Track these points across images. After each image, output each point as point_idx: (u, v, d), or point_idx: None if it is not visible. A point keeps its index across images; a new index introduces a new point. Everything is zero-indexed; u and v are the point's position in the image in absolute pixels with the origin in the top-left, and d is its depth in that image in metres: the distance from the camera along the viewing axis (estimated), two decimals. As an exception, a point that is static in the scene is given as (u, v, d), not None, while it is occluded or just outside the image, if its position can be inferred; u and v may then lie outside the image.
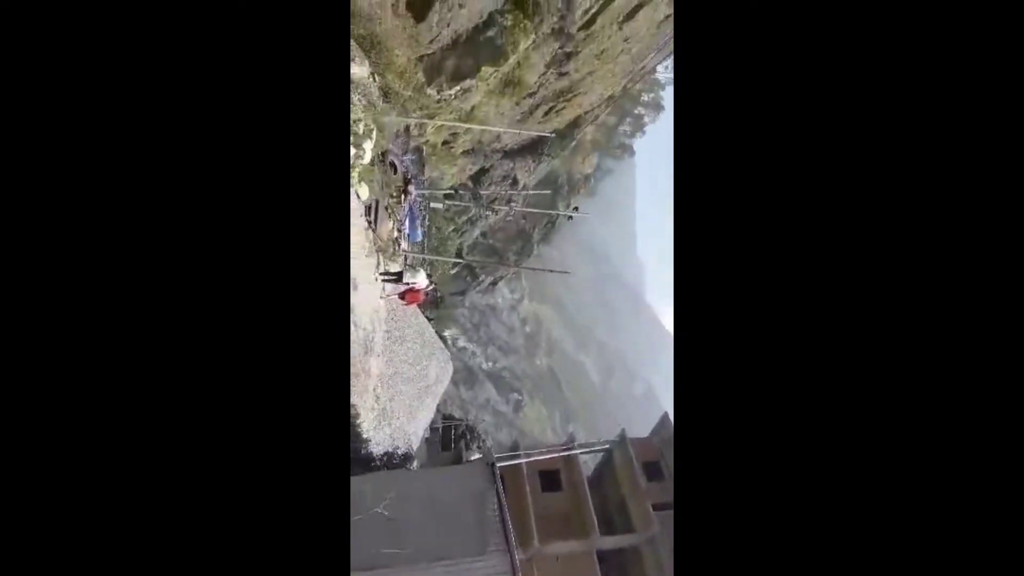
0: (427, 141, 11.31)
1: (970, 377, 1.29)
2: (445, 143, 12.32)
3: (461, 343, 33.70)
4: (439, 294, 11.67)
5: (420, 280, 9.13)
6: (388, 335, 9.65)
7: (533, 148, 16.86)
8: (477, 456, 11.66)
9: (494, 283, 24.69)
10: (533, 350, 49.74)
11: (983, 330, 1.29)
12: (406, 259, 10.17)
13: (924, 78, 1.34)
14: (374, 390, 9.27)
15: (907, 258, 1.35)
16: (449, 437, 14.55)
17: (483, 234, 18.71)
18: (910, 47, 1.34)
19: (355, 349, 8.25)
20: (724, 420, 1.47)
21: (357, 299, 8.24)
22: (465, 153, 13.43)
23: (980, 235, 1.30)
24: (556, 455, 11.09)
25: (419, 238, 11.00)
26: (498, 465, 6.94)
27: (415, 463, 10.89)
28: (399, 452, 9.76)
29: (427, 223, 11.95)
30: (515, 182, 17.20)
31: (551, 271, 17.97)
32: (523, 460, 10.30)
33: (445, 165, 12.58)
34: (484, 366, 38.26)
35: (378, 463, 8.92)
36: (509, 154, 16.41)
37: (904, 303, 1.36)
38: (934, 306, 1.33)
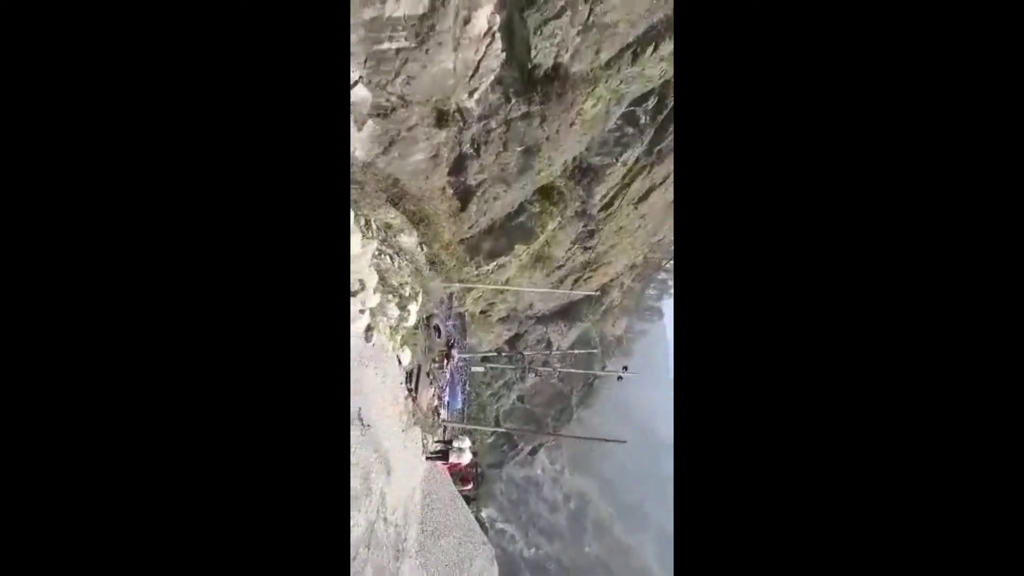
0: (467, 310, 12.31)
1: (970, 376, 1.28)
2: (483, 312, 13.31)
3: (499, 525, 30.80)
4: (480, 470, 11.26)
5: (466, 457, 9.11)
6: (423, 529, 8.67)
7: (565, 314, 17.76)
8: None
9: (533, 452, 23.64)
10: (579, 533, 44.61)
11: (983, 330, 1.27)
12: (445, 429, 10.12)
13: (925, 84, 1.33)
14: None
15: (907, 259, 1.34)
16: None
17: (520, 398, 18.72)
18: (908, 64, 1.33)
19: (386, 553, 7.05)
20: (724, 427, 1.46)
21: (390, 487, 7.26)
22: (501, 320, 14.33)
23: (980, 235, 1.27)
24: None
25: (459, 405, 11.06)
26: None
27: None
28: None
29: (467, 389, 12.28)
30: (549, 344, 17.74)
31: (604, 440, 16.73)
32: None
33: (483, 332, 13.40)
34: (525, 553, 34.23)
35: None
36: (542, 319, 17.29)
37: (904, 304, 1.34)
38: (934, 306, 1.31)
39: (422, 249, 9.49)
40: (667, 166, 11.96)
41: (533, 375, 15.51)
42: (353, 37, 5.97)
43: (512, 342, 16.70)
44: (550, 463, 43.24)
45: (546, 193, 10.91)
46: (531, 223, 10.79)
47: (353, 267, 7.00)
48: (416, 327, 9.03)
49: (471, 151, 8.68)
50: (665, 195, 13.63)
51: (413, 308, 8.62)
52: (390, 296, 7.99)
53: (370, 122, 7.10)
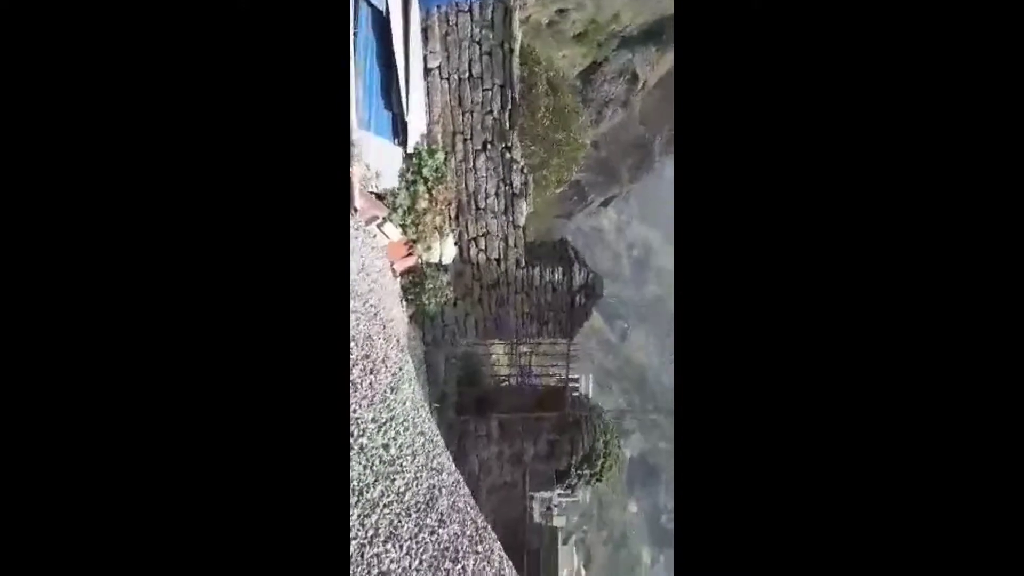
0: (529, 17, 9.06)
1: (970, 375, 1.27)
2: (551, 24, 9.94)
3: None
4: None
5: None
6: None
7: (656, 34, 13.71)
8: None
9: (605, 203, 22.21)
10: (641, 277, 46.98)
11: (983, 330, 1.26)
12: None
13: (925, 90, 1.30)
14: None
15: (907, 258, 1.31)
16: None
17: (594, 144, 16.23)
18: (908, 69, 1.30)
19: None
20: (726, 419, 1.38)
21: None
22: (577, 37, 10.92)
23: (980, 236, 1.27)
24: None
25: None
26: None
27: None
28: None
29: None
30: (634, 78, 14.32)
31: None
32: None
33: (552, 50, 10.24)
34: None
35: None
36: (627, 41, 13.47)
37: (903, 301, 1.31)
38: (934, 306, 1.29)
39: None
40: None
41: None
42: None
43: (587, 74, 13.44)
44: (617, 215, 42.96)
45: None
46: None
47: None
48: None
49: None
50: None
51: None
52: None
53: None
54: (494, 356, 9.82)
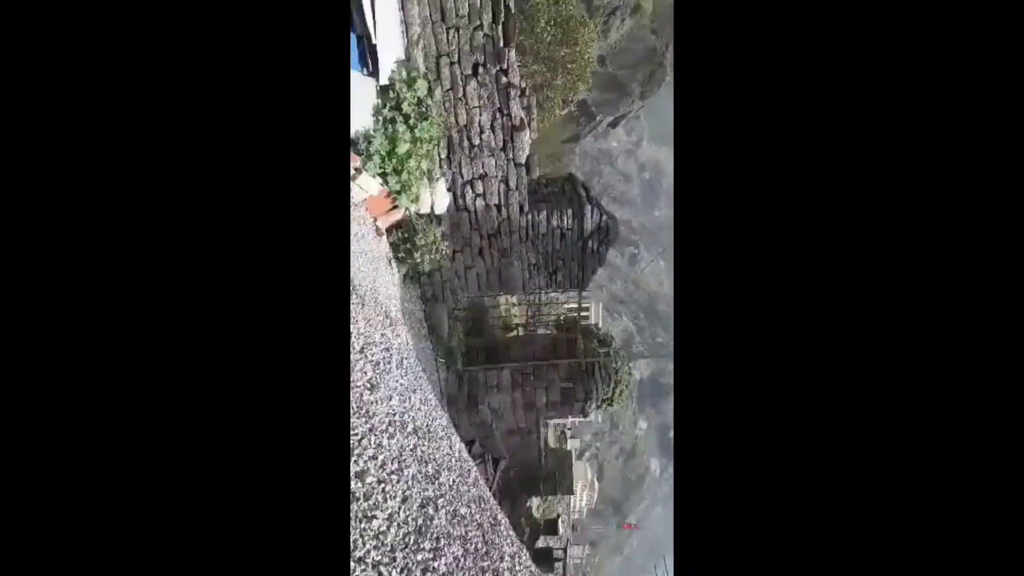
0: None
1: (969, 374, 1.27)
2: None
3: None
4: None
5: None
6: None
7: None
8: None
9: (614, 124, 20.52)
10: (652, 200, 45.37)
11: (983, 330, 1.27)
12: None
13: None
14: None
15: (906, 257, 1.31)
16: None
17: (600, 59, 14.56)
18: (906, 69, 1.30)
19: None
20: (726, 342, 1.40)
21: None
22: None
23: (980, 236, 1.27)
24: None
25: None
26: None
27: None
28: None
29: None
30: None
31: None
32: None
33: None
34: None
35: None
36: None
37: (904, 304, 1.31)
38: (934, 306, 1.29)
39: None
40: None
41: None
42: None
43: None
44: (626, 135, 40.56)
45: None
46: None
47: None
48: None
49: None
50: None
51: None
52: None
53: None
54: (502, 307, 9.23)
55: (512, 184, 6.37)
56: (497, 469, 8.00)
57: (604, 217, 6.69)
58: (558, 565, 9.85)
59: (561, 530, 10.02)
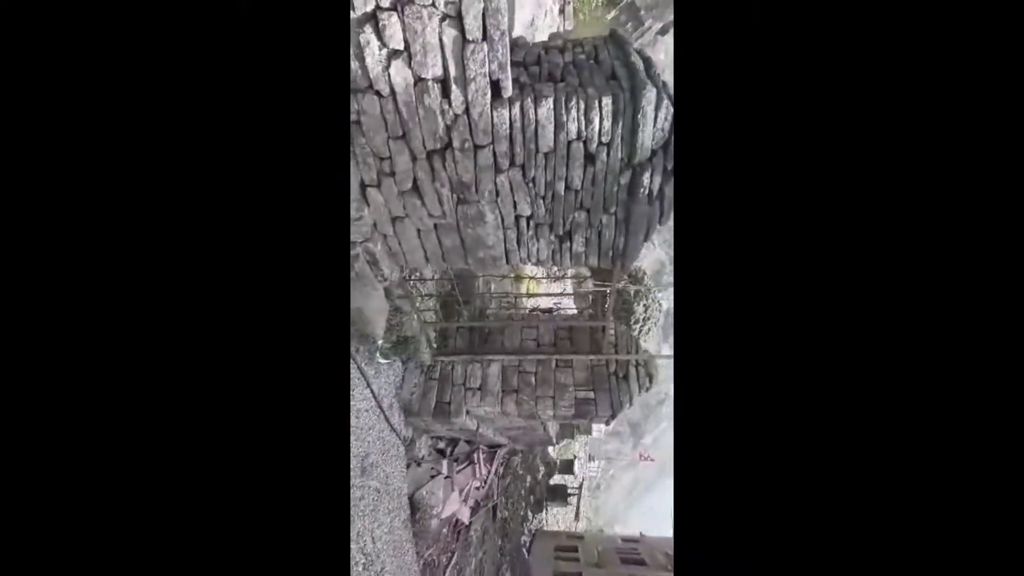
0: None
1: (969, 373, 1.27)
2: None
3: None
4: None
5: None
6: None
7: None
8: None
9: (663, 32, 18.19)
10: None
11: (983, 330, 1.27)
12: None
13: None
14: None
15: (906, 257, 1.32)
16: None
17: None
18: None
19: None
20: (727, 410, 1.42)
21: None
22: None
23: (980, 237, 1.27)
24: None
25: None
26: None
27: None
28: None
29: None
30: None
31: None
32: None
33: None
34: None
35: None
36: None
37: (904, 305, 1.31)
38: (934, 306, 1.30)
39: None
40: None
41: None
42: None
43: None
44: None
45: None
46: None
47: None
48: None
49: None
50: None
51: None
52: None
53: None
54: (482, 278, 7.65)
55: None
56: (495, 458, 6.83)
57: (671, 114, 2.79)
58: (572, 499, 9.99)
59: (577, 469, 10.05)
